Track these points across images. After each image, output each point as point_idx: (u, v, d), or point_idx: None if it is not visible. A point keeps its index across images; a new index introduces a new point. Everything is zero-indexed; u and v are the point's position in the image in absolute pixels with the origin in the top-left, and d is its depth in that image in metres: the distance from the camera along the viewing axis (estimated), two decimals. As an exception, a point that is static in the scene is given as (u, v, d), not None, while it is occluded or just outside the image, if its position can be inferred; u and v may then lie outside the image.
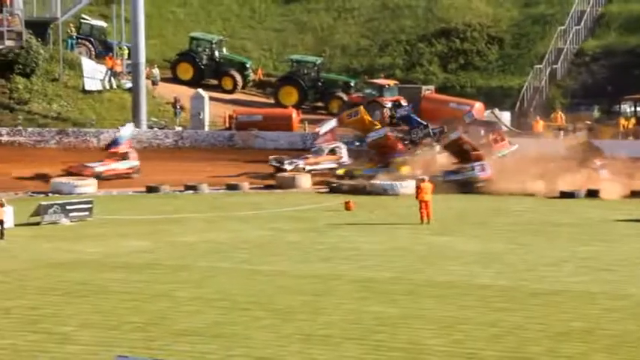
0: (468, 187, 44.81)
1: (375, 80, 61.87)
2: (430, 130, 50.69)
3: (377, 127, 51.97)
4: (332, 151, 50.90)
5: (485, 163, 45.74)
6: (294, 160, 49.31)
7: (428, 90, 61.63)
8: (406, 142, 50.21)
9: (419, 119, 52.26)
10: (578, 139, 51.47)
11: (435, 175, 42.88)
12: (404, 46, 66.78)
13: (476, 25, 66.50)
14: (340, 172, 48.12)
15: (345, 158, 50.47)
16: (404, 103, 57.22)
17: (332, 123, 52.67)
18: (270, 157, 49.90)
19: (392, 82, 61.42)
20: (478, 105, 58.77)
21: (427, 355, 20.33)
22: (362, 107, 54.01)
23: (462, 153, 46.51)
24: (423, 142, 50.29)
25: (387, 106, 59.67)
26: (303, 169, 48.52)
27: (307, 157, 49.94)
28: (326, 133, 51.91)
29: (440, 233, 35.03)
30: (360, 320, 22.89)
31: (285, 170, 48.07)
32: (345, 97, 61.77)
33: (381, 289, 26.09)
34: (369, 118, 53.13)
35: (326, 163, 50.02)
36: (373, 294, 25.52)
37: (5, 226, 33.23)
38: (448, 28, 66.67)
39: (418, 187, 37.08)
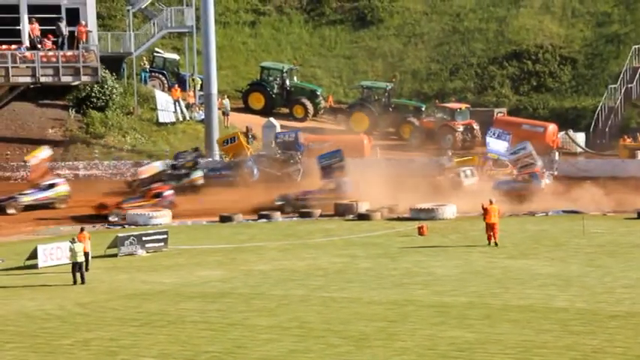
0: (520, 197, 45.05)
1: (447, 104, 61.68)
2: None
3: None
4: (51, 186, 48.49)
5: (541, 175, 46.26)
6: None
7: (500, 113, 61.24)
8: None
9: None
10: None
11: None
12: (475, 69, 66.55)
13: (548, 46, 66.03)
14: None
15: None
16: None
17: (44, 153, 50.73)
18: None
19: (464, 106, 61.19)
20: (552, 126, 58.29)
21: (504, 380, 20.12)
22: (239, 133, 54.83)
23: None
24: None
25: (458, 129, 59.45)
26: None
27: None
28: (37, 164, 49.82)
29: (515, 256, 34.68)
30: (435, 346, 22.73)
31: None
32: (416, 122, 61.65)
33: (457, 314, 25.88)
34: (247, 145, 54.28)
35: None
36: (448, 319, 25.33)
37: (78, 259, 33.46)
38: (520, 50, 66.29)
39: (485, 210, 36.84)
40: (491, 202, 37.25)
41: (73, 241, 32.06)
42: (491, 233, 36.55)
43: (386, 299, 27.96)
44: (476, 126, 59.75)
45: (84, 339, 24.34)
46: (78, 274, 31.63)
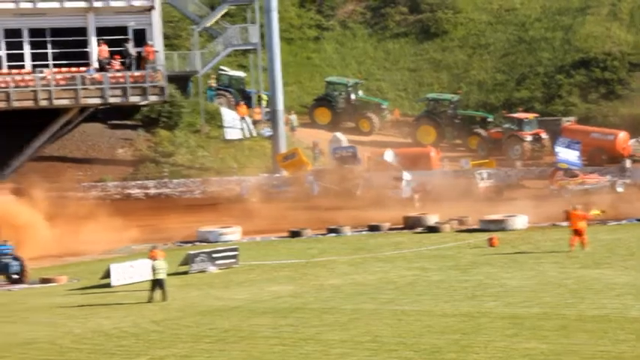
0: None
1: (514, 114, 61.24)
2: None
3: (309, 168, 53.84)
4: None
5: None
6: None
7: (569, 121, 60.62)
8: None
9: None
10: None
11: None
12: (542, 78, 66.00)
13: (616, 53, 65.26)
14: None
15: None
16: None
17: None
18: None
19: (531, 116, 60.71)
20: (622, 134, 57.58)
21: (582, 391, 19.84)
22: (299, 149, 54.70)
23: None
24: None
25: (526, 139, 59.00)
26: None
27: None
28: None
29: (588, 266, 34.23)
30: (510, 358, 22.51)
31: None
32: (483, 133, 61.29)
33: (531, 325, 25.61)
34: (306, 160, 54.18)
35: None
36: (522, 330, 25.07)
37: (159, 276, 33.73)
38: (587, 58, 65.62)
39: (570, 215, 36.57)
40: (575, 209, 36.95)
41: (154, 259, 32.26)
42: (576, 238, 36.34)
43: (458, 311, 27.77)
44: (544, 135, 59.22)
45: (158, 356, 24.54)
46: (157, 292, 31.73)
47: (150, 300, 31.52)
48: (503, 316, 26.82)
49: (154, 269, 31.91)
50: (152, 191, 56.36)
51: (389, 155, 54.42)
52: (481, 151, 60.05)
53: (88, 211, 50.06)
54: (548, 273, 33.36)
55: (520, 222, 44.07)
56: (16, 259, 37.61)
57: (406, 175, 52.78)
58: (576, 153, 51.99)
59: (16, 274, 37.49)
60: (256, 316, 28.77)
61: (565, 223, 43.41)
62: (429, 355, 23.11)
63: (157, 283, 31.76)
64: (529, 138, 59.24)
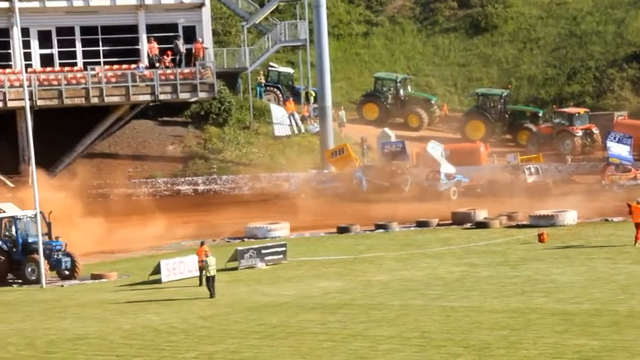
0: None
1: (565, 109, 60.68)
2: None
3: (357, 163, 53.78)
4: None
5: None
6: None
7: (621, 116, 59.93)
8: None
9: None
10: None
11: None
12: (593, 72, 65.32)
13: (670, 46, 64.42)
14: None
15: None
16: None
17: None
18: None
19: (582, 110, 60.12)
20: (676, 128, 56.75)
21: (632, 389, 19.62)
22: (347, 145, 54.51)
23: None
24: None
25: (577, 134, 58.45)
26: None
27: None
28: None
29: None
30: (560, 354, 22.31)
31: None
32: (533, 128, 60.82)
33: (581, 321, 25.37)
34: (355, 156, 53.78)
35: None
36: (572, 327, 24.85)
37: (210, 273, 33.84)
38: (640, 51, 64.82)
39: (633, 208, 36.21)
40: (638, 202, 36.58)
41: (206, 255, 32.45)
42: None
43: (507, 308, 27.59)
44: (595, 130, 58.62)
45: (207, 352, 24.66)
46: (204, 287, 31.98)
47: (212, 295, 31.53)
48: (553, 312, 26.60)
49: (205, 266, 32.04)
50: (201, 187, 56.64)
51: (432, 147, 54.24)
52: (531, 147, 59.58)
53: (138, 207, 50.50)
54: (599, 269, 33.03)
55: (570, 217, 43.67)
56: (67, 255, 38.02)
57: (445, 169, 52.64)
58: (628, 148, 51.40)
59: (68, 270, 37.90)
60: (304, 312, 28.81)
61: (617, 219, 43.02)
62: (478, 351, 22.98)
63: (208, 280, 31.92)
64: (580, 133, 58.68)
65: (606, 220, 43.94)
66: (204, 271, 32.58)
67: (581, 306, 27.23)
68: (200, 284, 33.68)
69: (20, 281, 37.62)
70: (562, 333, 24.30)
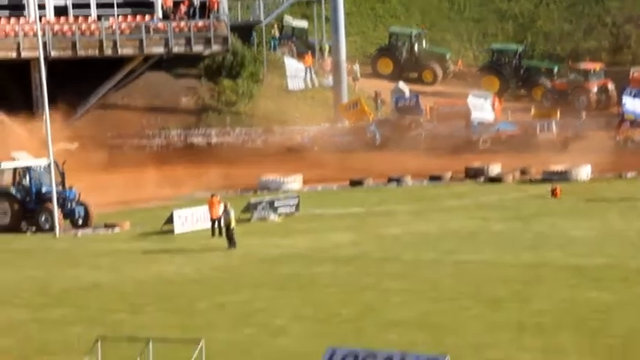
0: None
1: (580, 65, 60.24)
2: None
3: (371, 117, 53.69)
4: None
5: None
6: None
7: (637, 71, 59.42)
8: None
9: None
10: None
11: None
12: (610, 28, 64.71)
13: (688, 2, 63.73)
14: None
15: None
16: None
17: None
18: None
19: (598, 66, 59.62)
20: (693, 84, 56.27)
21: (644, 342, 19.66)
22: (361, 99, 54.22)
23: None
24: None
25: (592, 91, 58.07)
26: None
27: None
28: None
29: (653, 218, 33.76)
30: (573, 308, 22.36)
31: None
32: (548, 84, 60.45)
33: (594, 275, 25.39)
34: (369, 110, 53.47)
35: None
36: (585, 281, 24.87)
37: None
38: (657, 6, 64.16)
39: None
40: None
41: (226, 208, 32.42)
42: None
43: (520, 262, 27.60)
44: (611, 86, 58.19)
45: (219, 302, 24.78)
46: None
47: (234, 246, 31.53)
48: (565, 267, 26.61)
49: (228, 218, 31.96)
50: (214, 140, 56.57)
51: (474, 95, 54.21)
52: (546, 102, 59.19)
53: (151, 158, 50.54)
54: (611, 225, 32.97)
55: (584, 173, 43.52)
56: (81, 204, 38.17)
57: (480, 117, 52.47)
58: None
59: (81, 219, 38.05)
60: (316, 264, 28.88)
61: (630, 174, 42.85)
62: (490, 305, 23.03)
63: (228, 231, 31.94)
64: (595, 89, 58.25)
65: (620, 175, 43.77)
66: (216, 223, 32.64)
67: (593, 260, 27.22)
68: (213, 235, 33.77)
69: (34, 228, 37.84)
70: (574, 287, 24.33)
